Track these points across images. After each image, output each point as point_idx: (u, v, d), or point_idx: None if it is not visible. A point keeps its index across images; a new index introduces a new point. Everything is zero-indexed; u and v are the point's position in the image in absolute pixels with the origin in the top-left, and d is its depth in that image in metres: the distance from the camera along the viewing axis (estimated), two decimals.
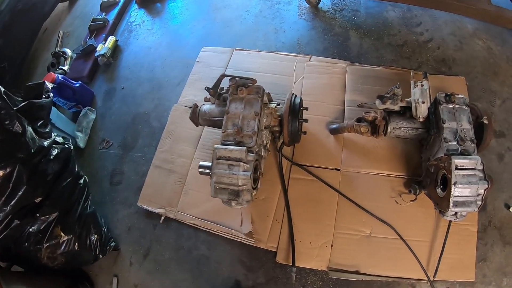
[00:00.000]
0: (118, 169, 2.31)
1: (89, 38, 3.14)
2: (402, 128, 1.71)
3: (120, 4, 3.36)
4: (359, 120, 1.78)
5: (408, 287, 1.72)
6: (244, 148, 1.48)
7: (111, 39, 2.98)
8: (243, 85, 1.67)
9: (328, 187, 1.85)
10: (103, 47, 2.90)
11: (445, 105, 1.61)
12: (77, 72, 2.93)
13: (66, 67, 3.02)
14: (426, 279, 1.67)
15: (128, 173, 2.27)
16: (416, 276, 1.69)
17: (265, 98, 1.69)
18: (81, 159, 2.41)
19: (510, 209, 1.84)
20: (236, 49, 2.48)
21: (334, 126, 1.96)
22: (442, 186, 1.56)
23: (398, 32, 2.51)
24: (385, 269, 1.71)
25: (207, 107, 1.82)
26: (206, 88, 1.74)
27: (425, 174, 1.70)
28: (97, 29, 3.21)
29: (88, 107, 2.65)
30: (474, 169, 1.47)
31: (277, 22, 2.76)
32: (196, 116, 1.83)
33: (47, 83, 2.24)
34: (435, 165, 1.59)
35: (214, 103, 1.80)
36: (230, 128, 1.59)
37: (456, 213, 1.50)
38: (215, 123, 1.78)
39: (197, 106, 1.84)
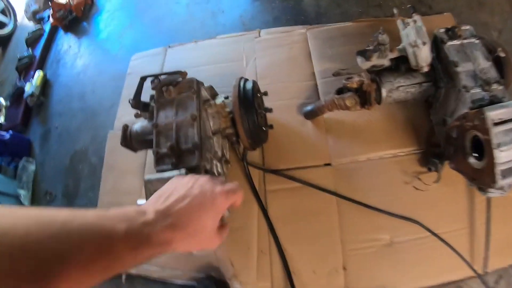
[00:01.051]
0: None
1: (19, 81, 2.71)
2: (401, 88, 1.20)
3: (45, 35, 2.91)
4: (340, 91, 1.28)
5: None
6: (183, 170, 0.98)
7: (38, 75, 2.52)
8: (170, 84, 1.18)
9: (320, 191, 1.31)
10: (30, 86, 2.44)
11: (450, 42, 1.13)
12: (11, 121, 2.49)
13: (1, 119, 2.58)
14: (475, 275, 1.18)
15: None
16: (462, 275, 1.20)
17: (204, 94, 1.19)
18: None
19: None
20: (169, 47, 1.96)
21: (309, 108, 1.42)
22: (476, 154, 1.05)
23: None
24: (419, 279, 1.20)
25: (138, 125, 1.31)
26: (130, 100, 1.26)
27: (445, 141, 1.19)
28: (25, 68, 2.78)
29: (25, 158, 2.18)
30: None
31: (212, 4, 2.28)
32: (129, 139, 1.33)
33: None
34: (459, 126, 1.08)
35: (146, 118, 1.31)
36: (163, 147, 1.09)
37: (503, 187, 0.99)
38: (152, 143, 1.27)
39: (127, 127, 1.34)
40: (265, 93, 1.31)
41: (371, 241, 1.24)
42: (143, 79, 1.26)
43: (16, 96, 2.58)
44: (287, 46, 1.71)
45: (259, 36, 1.82)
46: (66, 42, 2.70)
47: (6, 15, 3.47)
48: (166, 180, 0.97)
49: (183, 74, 1.17)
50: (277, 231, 1.29)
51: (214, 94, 1.28)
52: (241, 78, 1.27)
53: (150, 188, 1.01)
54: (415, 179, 1.29)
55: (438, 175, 1.24)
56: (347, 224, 1.27)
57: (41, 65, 2.71)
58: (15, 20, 3.54)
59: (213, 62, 1.78)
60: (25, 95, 2.43)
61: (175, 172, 0.98)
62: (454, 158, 1.15)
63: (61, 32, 2.84)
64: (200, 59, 1.82)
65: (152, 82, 1.23)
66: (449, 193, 1.27)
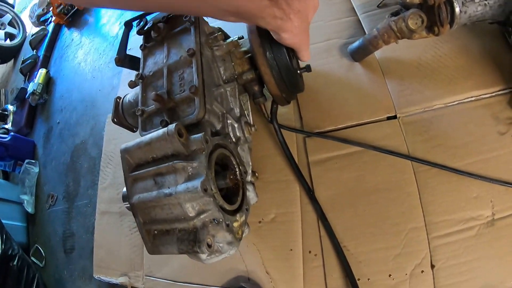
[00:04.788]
0: (68, 229, 1.49)
1: (24, 83, 2.42)
2: (480, 2, 0.75)
3: (48, 34, 2.62)
4: (396, 13, 0.82)
5: None
6: (173, 126, 0.55)
7: (41, 73, 2.21)
8: (159, 21, 0.76)
9: (387, 154, 0.83)
10: (32, 85, 2.12)
11: None
12: (16, 125, 2.21)
13: (9, 125, 2.30)
14: None
15: (78, 232, 1.44)
16: None
17: (207, 29, 0.77)
18: (34, 228, 1.67)
19: None
20: None
21: (356, 44, 0.94)
22: None
23: None
24: None
25: (131, 95, 0.91)
26: (115, 60, 0.86)
27: None
28: (30, 70, 2.50)
29: (28, 161, 1.86)
30: None
31: None
32: (121, 115, 0.92)
33: None
34: None
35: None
36: (150, 98, 0.67)
37: None
38: None
39: (120, 99, 0.93)
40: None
41: (466, 222, 0.76)
42: (127, 25, 0.86)
43: (20, 98, 2.27)
44: None
45: None
46: (69, 37, 2.39)
47: (14, 27, 3.22)
48: (147, 144, 0.55)
49: None
50: (331, 221, 0.82)
51: (226, 37, 0.85)
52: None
53: (128, 159, 0.60)
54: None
55: None
56: (430, 200, 0.79)
57: (45, 64, 2.41)
58: (24, 31, 3.28)
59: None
60: (27, 94, 2.13)
61: (160, 131, 0.55)
62: None
63: (64, 29, 2.55)
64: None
65: (137, 24, 0.83)
66: None
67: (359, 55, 0.93)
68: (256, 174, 0.80)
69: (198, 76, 0.63)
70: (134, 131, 0.97)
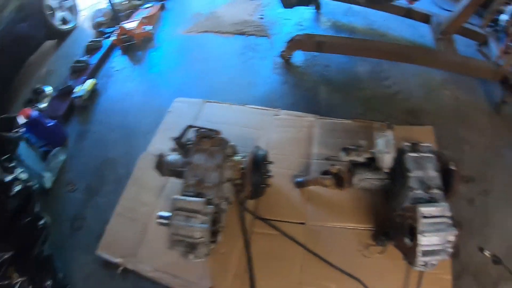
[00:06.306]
0: (80, 214, 2.29)
1: (69, 79, 3.25)
2: (368, 180, 1.76)
3: (104, 49, 3.52)
4: (324, 173, 1.84)
5: None
6: (203, 200, 1.51)
7: (90, 82, 3.07)
8: (207, 136, 1.73)
9: (293, 242, 1.84)
10: (81, 89, 2.99)
11: (410, 154, 1.67)
12: (53, 111, 2.98)
13: (43, 105, 3.08)
14: None
15: (89, 219, 2.25)
16: None
17: (229, 151, 1.75)
18: (46, 199, 2.38)
19: (484, 252, 1.83)
20: (207, 101, 2.63)
21: (300, 179, 2.02)
22: (409, 236, 1.55)
23: (367, 86, 2.70)
24: None
25: (172, 157, 1.86)
26: (173, 138, 1.81)
27: (392, 225, 1.71)
28: (79, 71, 3.34)
29: (59, 147, 2.65)
30: (441, 216, 1.49)
31: (251, 76, 2.96)
32: (161, 166, 1.86)
33: (19, 118, 2.27)
34: (402, 215, 1.60)
35: (180, 154, 1.85)
36: (191, 179, 1.63)
37: (426, 263, 1.50)
38: (179, 174, 1.79)
39: (163, 156, 1.88)
40: (271, 162, 1.87)
41: (321, 286, 1.73)
42: (189, 126, 1.82)
43: (64, 92, 3.08)
44: (297, 128, 2.35)
45: (278, 115, 2.47)
46: (121, 63, 3.32)
47: (71, 13, 4.07)
48: (188, 202, 1.51)
49: (217, 132, 1.74)
50: (253, 263, 1.79)
51: (234, 152, 1.84)
52: (257, 146, 1.84)
53: (176, 204, 1.54)
54: (365, 248, 1.80)
55: (383, 249, 1.75)
56: (307, 270, 1.78)
57: (94, 74, 3.28)
58: (77, 21, 4.14)
59: (238, 124, 2.41)
60: (74, 94, 2.97)
61: (196, 199, 1.51)
62: (396, 237, 1.66)
63: (118, 52, 3.46)
64: (229, 118, 2.46)
65: (196, 131, 1.79)
66: (391, 264, 1.75)
67: (298, 185, 1.99)
68: (223, 227, 1.76)
69: (217, 179, 1.59)
70: (161, 176, 1.90)
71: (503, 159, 2.31)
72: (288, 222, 1.93)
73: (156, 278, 1.86)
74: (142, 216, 2.07)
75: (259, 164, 1.76)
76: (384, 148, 1.65)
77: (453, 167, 1.68)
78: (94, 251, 2.04)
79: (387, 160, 1.66)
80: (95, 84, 3.10)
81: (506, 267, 1.83)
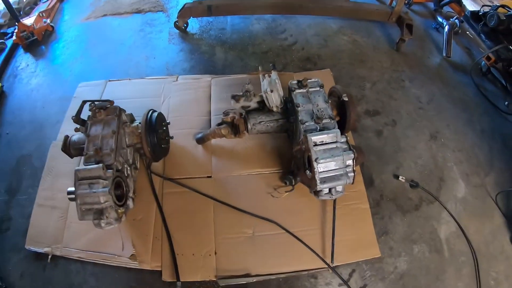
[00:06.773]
0: (5, 215, 2.31)
1: None
2: (262, 123, 1.89)
3: (6, 50, 3.44)
4: (220, 124, 1.97)
5: (309, 279, 1.83)
6: (101, 165, 1.59)
7: None
8: (101, 108, 1.81)
9: (202, 196, 1.99)
10: None
11: (298, 90, 1.83)
12: None
13: None
14: (326, 267, 1.77)
15: (15, 217, 2.27)
16: (315, 266, 1.81)
17: (124, 118, 1.84)
18: None
19: (400, 178, 2.04)
20: (109, 81, 2.73)
21: (200, 135, 2.15)
22: (309, 167, 1.66)
23: (262, 41, 2.88)
24: (278, 266, 1.81)
25: (76, 136, 1.92)
26: (72, 117, 1.87)
27: (294, 161, 1.86)
28: None
29: None
30: (335, 142, 1.63)
31: (148, 50, 3.09)
32: (68, 147, 1.92)
33: None
34: (299, 149, 1.74)
35: (82, 132, 1.91)
36: (91, 150, 1.71)
37: (330, 190, 1.63)
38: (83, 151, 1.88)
39: (68, 137, 1.94)
40: (168, 123, 2.03)
41: (237, 233, 1.89)
42: (84, 102, 1.89)
43: None
44: (194, 89, 2.53)
45: (177, 80, 2.63)
46: (25, 61, 3.27)
47: None
48: (88, 170, 1.59)
49: (110, 102, 1.83)
50: (168, 223, 1.93)
51: (132, 120, 1.94)
52: (150, 109, 1.94)
53: (78, 175, 1.62)
54: (274, 190, 1.96)
55: (292, 187, 1.89)
56: (220, 220, 1.93)
57: None
58: None
59: (139, 96, 2.55)
60: None
61: (95, 166, 1.60)
62: (299, 173, 1.81)
63: (21, 51, 3.40)
64: (130, 93, 2.60)
65: (90, 105, 1.86)
66: (304, 202, 1.94)
67: (200, 141, 2.13)
68: (135, 193, 1.86)
69: (114, 144, 1.68)
70: (71, 157, 1.97)
71: (404, 90, 2.57)
72: (195, 177, 2.09)
73: (83, 258, 1.95)
74: (61, 202, 2.12)
75: (153, 125, 1.87)
76: (268, 87, 1.77)
77: (345, 98, 1.84)
78: (23, 248, 2.08)
79: (274, 99, 1.78)
80: (1, 87, 3.06)
81: (424, 189, 2.07)
